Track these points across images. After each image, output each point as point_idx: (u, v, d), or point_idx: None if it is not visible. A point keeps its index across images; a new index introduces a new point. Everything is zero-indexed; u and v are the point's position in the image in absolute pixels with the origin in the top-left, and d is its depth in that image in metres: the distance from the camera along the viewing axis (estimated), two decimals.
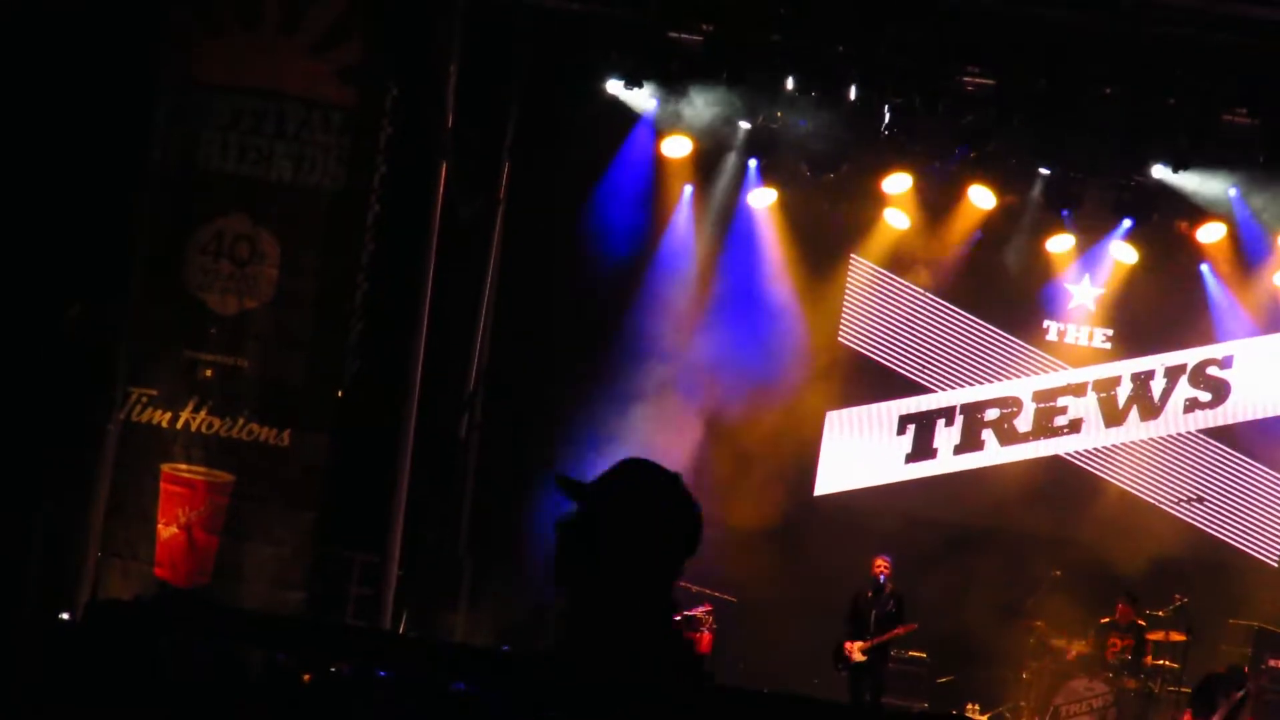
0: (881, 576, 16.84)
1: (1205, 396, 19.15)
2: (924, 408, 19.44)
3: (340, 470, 16.30)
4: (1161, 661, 17.30)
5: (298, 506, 15.96)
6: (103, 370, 16.00)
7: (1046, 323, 19.34)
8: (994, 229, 18.95)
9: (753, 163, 18.65)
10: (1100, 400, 19.26)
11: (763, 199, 18.90)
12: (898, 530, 18.45)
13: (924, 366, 19.42)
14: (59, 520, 15.67)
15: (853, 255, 19.39)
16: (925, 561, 17.92)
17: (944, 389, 19.43)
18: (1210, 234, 18.36)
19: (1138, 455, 19.22)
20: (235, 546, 15.87)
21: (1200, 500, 18.87)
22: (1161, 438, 19.23)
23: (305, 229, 16.21)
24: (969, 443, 19.39)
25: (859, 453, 19.42)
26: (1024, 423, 19.35)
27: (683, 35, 17.01)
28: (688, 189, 18.91)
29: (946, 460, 19.42)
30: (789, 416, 18.93)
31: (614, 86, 17.62)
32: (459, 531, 18.41)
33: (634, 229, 18.79)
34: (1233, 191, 18.03)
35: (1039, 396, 19.34)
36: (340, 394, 16.30)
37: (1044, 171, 17.99)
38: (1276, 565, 18.83)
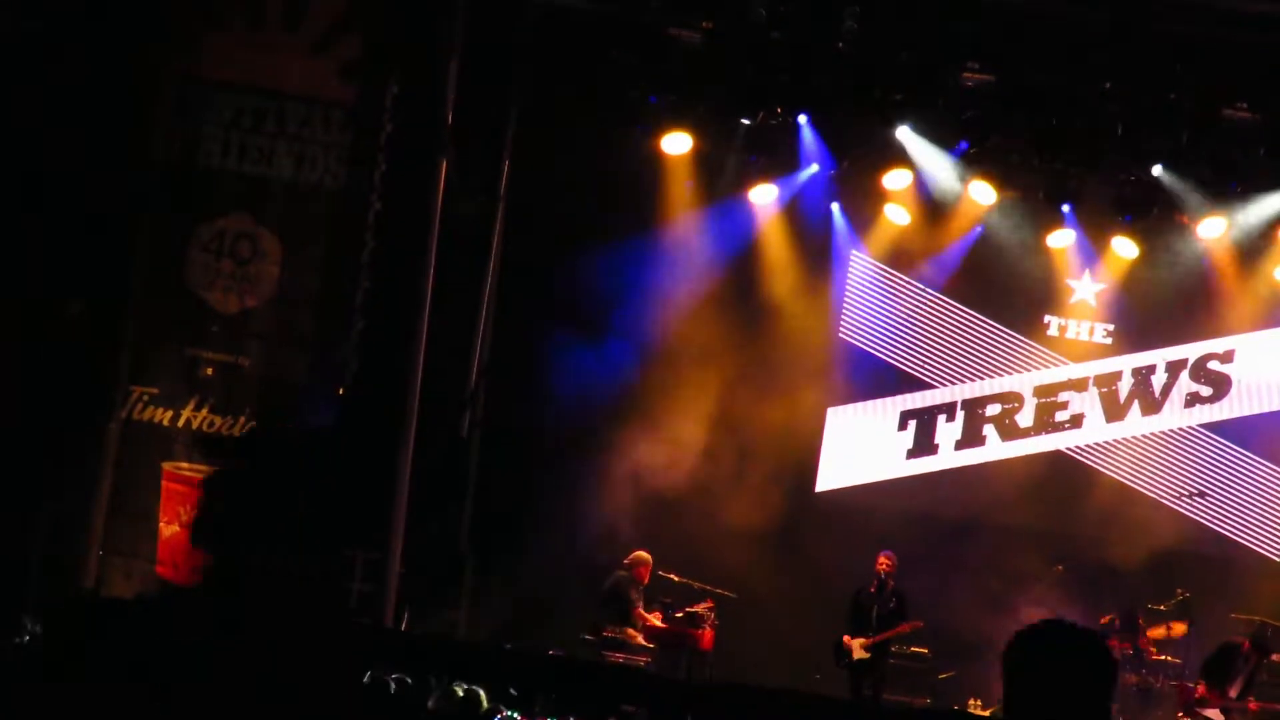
0: (884, 573, 16.87)
1: (1206, 391, 19.15)
2: (925, 403, 19.43)
3: (341, 467, 16.28)
4: (1163, 657, 17.31)
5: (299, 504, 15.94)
6: (104, 369, 16.01)
7: (1047, 318, 19.33)
8: (995, 224, 18.96)
9: (753, 159, 18.65)
10: (1101, 395, 19.26)
11: (763, 195, 18.90)
12: (899, 526, 18.46)
13: (925, 362, 19.41)
14: (61, 519, 15.69)
15: (853, 251, 19.39)
16: (926, 557, 17.92)
17: (945, 384, 19.42)
18: (1211, 228, 18.35)
19: (1139, 450, 19.20)
20: None
21: (1202, 495, 18.87)
22: (1163, 432, 19.22)
23: (306, 227, 16.23)
24: (970, 438, 19.39)
25: (860, 448, 19.42)
26: (1025, 418, 19.34)
27: (682, 32, 17.01)
28: (688, 185, 18.90)
29: (948, 456, 19.42)
30: (790, 412, 18.93)
31: (614, 83, 17.61)
32: (460, 528, 18.42)
33: (634, 226, 18.79)
34: (1234, 186, 18.02)
35: (1040, 391, 19.33)
36: (341, 391, 16.32)
37: (1044, 167, 17.98)
38: (1278, 559, 18.84)
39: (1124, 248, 18.78)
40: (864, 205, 19.05)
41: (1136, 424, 19.25)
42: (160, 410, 16.01)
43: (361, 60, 16.12)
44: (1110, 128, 17.16)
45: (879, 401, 19.43)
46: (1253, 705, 16.72)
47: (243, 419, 16.02)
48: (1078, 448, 19.32)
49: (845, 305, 19.44)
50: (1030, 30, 16.67)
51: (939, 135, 17.88)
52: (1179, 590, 17.35)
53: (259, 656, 4.58)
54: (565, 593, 18.13)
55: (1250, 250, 18.70)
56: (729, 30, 16.89)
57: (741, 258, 19.15)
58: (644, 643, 16.99)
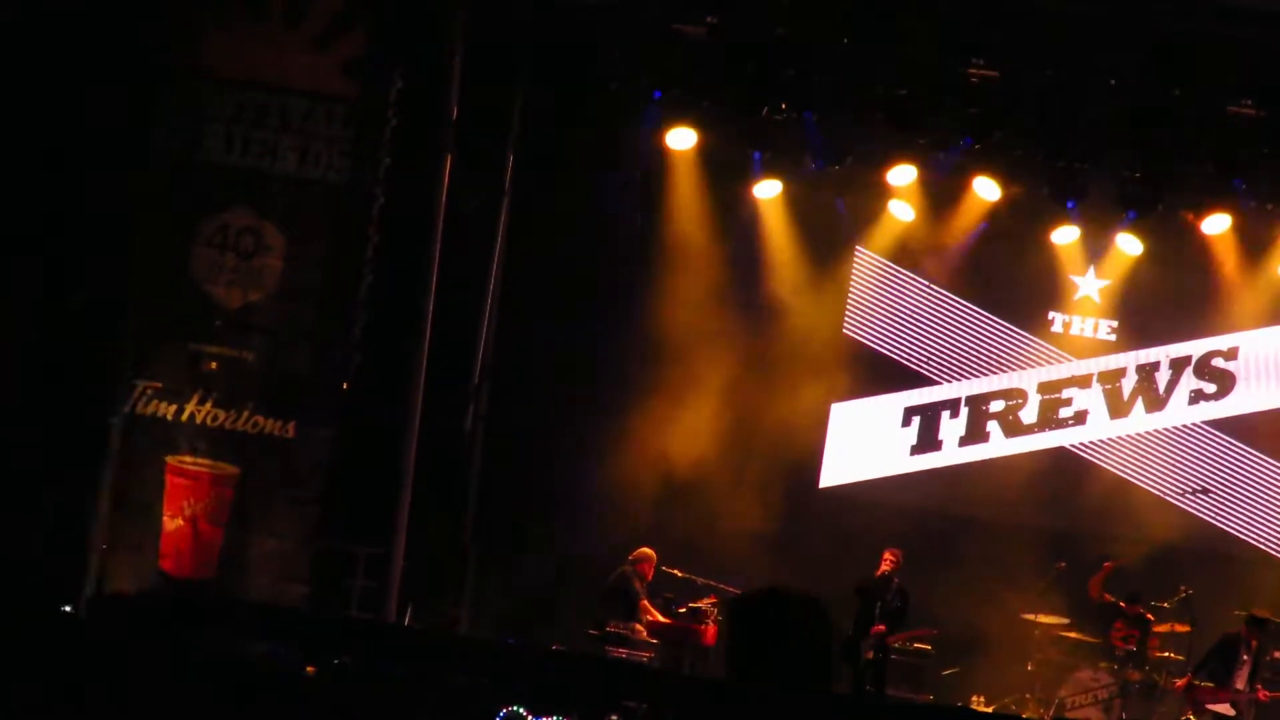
0: (889, 569, 16.87)
1: (1210, 388, 19.14)
2: (929, 400, 19.42)
3: (345, 463, 16.31)
4: (1166, 654, 17.31)
5: (302, 499, 15.98)
6: (108, 363, 16.02)
7: (1051, 314, 19.33)
8: (999, 221, 18.93)
9: (757, 155, 18.65)
10: (1105, 392, 19.25)
11: (767, 191, 18.89)
12: (903, 522, 18.46)
13: (929, 358, 19.41)
14: (64, 513, 15.69)
15: (858, 247, 19.38)
16: (930, 553, 17.90)
17: (949, 381, 19.42)
18: (1215, 225, 18.33)
19: (1143, 447, 19.20)
20: (240, 539, 15.90)
21: (1206, 492, 18.86)
22: (1166, 429, 19.21)
23: (310, 222, 16.23)
24: (974, 435, 19.38)
25: (864, 445, 19.41)
26: (1029, 414, 19.33)
27: (686, 27, 17.00)
28: (692, 181, 18.88)
29: (951, 452, 19.41)
30: (794, 408, 18.91)
31: (619, 79, 17.60)
32: (464, 524, 18.41)
33: (638, 221, 18.78)
34: (1239, 183, 17.99)
35: (1044, 388, 19.32)
36: (345, 386, 16.32)
37: (1049, 163, 17.95)
38: None
39: (1128, 244, 18.76)
40: (868, 201, 19.04)
41: (1140, 420, 19.24)
42: (164, 404, 16.01)
43: (365, 54, 16.11)
44: (1115, 124, 17.16)
45: (883, 397, 19.42)
46: (1262, 695, 16.71)
47: (246, 412, 16.03)
48: (1081, 444, 19.31)
49: (849, 301, 19.43)
50: (1035, 26, 16.66)
51: (944, 131, 17.86)
52: (1182, 588, 17.34)
53: None
54: (568, 588, 18.15)
55: (1254, 247, 18.70)
56: (733, 25, 16.87)
57: (746, 253, 19.14)
58: (648, 638, 16.99)
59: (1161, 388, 19.21)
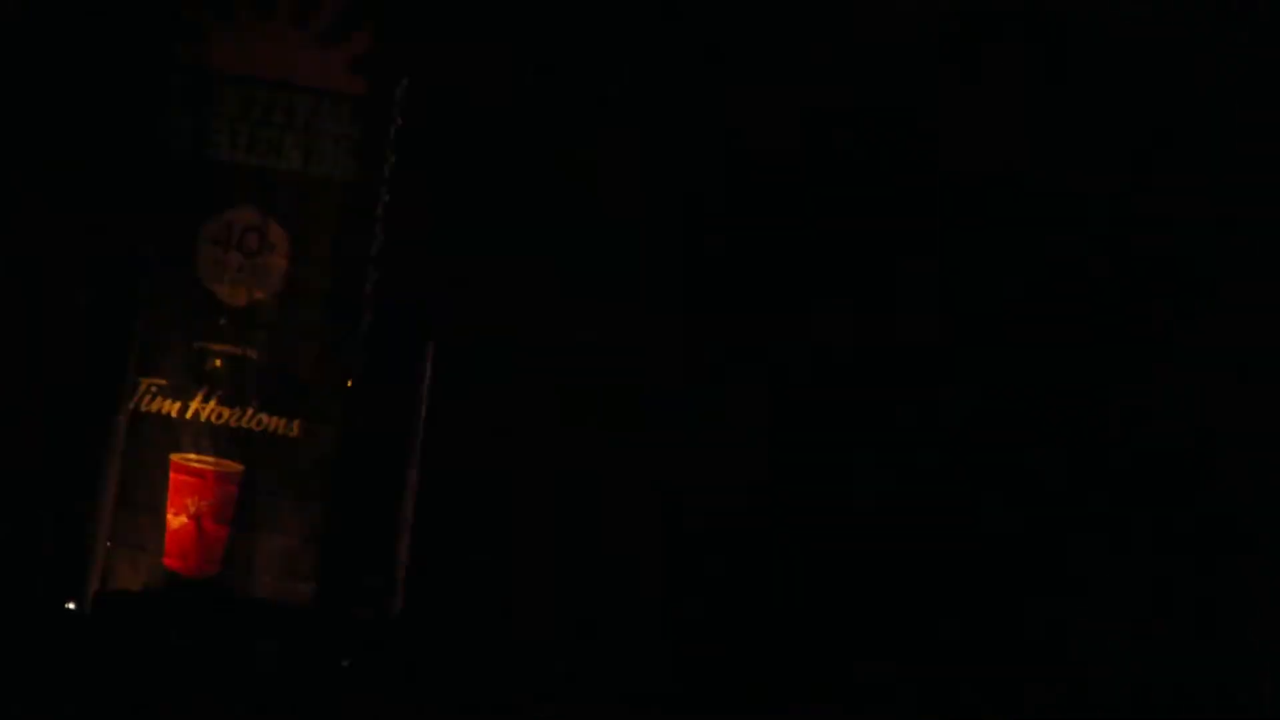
0: None
1: None
2: None
3: (350, 460, 16.29)
4: None
5: (308, 496, 15.98)
6: (111, 361, 16.01)
7: None
8: None
9: None
10: None
11: None
12: None
13: None
14: (68, 511, 15.68)
15: None
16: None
17: None
18: None
19: None
20: (245, 537, 15.90)
21: None
22: None
23: (315, 220, 16.23)
24: None
25: None
26: None
27: None
28: None
29: None
30: None
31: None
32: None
33: None
34: None
35: None
36: (349, 384, 16.31)
37: None
38: None
39: None
40: None
41: None
42: (168, 402, 16.02)
43: (371, 52, 16.12)
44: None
45: None
46: None
47: (251, 410, 16.04)
48: None
49: None
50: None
51: None
52: None
53: None
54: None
55: None
56: None
57: None
58: None
59: None
